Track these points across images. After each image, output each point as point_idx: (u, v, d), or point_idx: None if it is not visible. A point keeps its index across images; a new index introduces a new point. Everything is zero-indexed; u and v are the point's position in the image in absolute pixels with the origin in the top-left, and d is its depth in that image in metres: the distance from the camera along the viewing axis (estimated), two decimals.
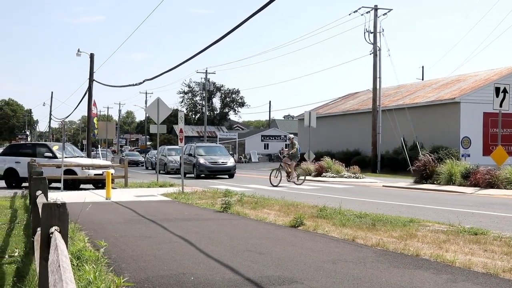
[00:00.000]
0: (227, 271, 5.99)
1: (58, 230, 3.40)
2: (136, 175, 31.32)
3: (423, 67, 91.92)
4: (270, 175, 21.71)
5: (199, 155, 29.35)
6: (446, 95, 34.26)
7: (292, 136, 23.50)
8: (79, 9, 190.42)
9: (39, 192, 6.47)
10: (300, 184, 21.34)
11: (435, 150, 29.92)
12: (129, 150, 75.24)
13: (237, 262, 6.43)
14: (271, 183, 21.15)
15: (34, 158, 19.62)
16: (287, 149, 22.94)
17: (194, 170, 29.17)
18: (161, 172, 32.83)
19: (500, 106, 19.56)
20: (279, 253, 7.05)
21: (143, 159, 50.87)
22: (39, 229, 3.82)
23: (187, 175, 28.47)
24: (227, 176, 28.97)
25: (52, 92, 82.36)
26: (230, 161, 29.48)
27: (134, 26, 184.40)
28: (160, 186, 19.97)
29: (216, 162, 28.75)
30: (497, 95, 19.59)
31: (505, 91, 19.59)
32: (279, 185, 20.85)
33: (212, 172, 28.60)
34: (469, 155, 27.98)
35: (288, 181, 21.76)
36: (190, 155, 29.90)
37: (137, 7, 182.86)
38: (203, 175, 28.63)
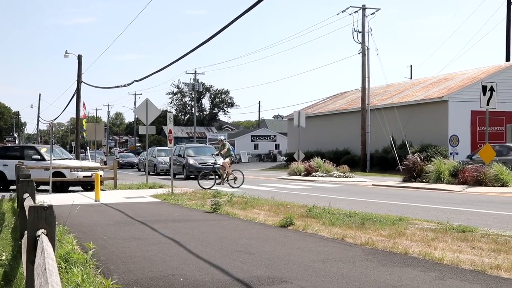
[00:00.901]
0: (216, 272, 5.99)
1: (45, 233, 3.38)
2: (126, 176, 31.19)
3: (411, 66, 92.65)
4: (198, 177, 20.33)
5: (189, 156, 29.17)
6: (434, 94, 34.48)
7: (222, 137, 22.49)
8: (69, 10, 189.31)
9: (26, 195, 6.41)
10: (237, 187, 19.79)
11: (424, 148, 30.12)
12: (118, 152, 74.80)
13: (227, 263, 6.43)
14: (200, 185, 19.41)
15: (22, 161, 19.46)
16: (217, 152, 22.30)
17: (184, 171, 29.01)
18: (151, 173, 32.71)
19: (487, 104, 19.73)
20: (269, 253, 7.06)
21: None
22: (26, 232, 3.79)
23: (177, 176, 28.39)
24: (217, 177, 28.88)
25: (40, 94, 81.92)
26: (220, 162, 29.35)
27: (123, 28, 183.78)
28: (150, 188, 19.90)
29: (206, 163, 28.35)
30: (484, 94, 19.76)
31: (492, 89, 19.75)
32: (213, 187, 19.19)
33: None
34: (457, 153, 28.17)
35: (223, 183, 20.27)
36: (179, 156, 29.74)
37: (127, 9, 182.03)
38: (193, 176, 28.48)
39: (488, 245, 7.28)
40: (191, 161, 28.60)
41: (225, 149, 21.01)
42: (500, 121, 32.72)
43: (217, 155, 21.81)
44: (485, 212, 11.57)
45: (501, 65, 35.87)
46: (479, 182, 18.41)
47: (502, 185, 18.12)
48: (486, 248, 7.13)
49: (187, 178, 28.31)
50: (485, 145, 20.08)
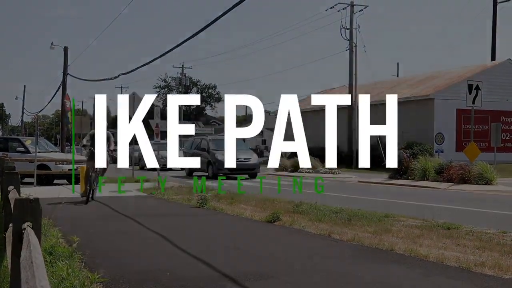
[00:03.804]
0: (203, 267, 5.97)
1: (31, 226, 3.33)
2: (116, 170, 30.87)
3: (398, 63, 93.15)
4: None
5: (216, 150, 24.06)
6: (420, 92, 34.69)
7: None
8: (54, 1, 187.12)
9: (11, 187, 6.33)
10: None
11: (410, 146, 30.29)
12: None
13: (214, 258, 6.41)
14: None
15: (6, 153, 19.24)
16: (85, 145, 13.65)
17: (209, 168, 24.17)
18: (145, 168, 31.98)
19: (473, 103, 19.91)
20: (256, 248, 7.06)
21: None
22: (11, 225, 3.74)
23: (197, 174, 24.88)
24: (247, 176, 23.84)
25: (24, 86, 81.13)
26: (254, 158, 24.45)
27: (110, 20, 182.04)
28: (136, 181, 19.78)
29: (238, 159, 22.21)
30: (470, 92, 19.93)
31: (477, 88, 19.94)
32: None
33: (234, 170, 23.06)
34: (442, 151, 28.39)
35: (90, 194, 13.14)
36: (203, 149, 24.84)
37: (114, 1, 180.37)
38: (221, 174, 23.27)
39: (472, 243, 7.35)
40: (219, 156, 23.34)
41: (113, 145, 13.97)
42: (485, 120, 32.99)
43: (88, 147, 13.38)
44: (470, 210, 11.68)
45: (486, 64, 36.17)
46: (464, 180, 18.57)
47: (486, 183, 18.31)
48: (471, 245, 7.19)
49: (214, 177, 23.27)
50: (470, 143, 20.26)
